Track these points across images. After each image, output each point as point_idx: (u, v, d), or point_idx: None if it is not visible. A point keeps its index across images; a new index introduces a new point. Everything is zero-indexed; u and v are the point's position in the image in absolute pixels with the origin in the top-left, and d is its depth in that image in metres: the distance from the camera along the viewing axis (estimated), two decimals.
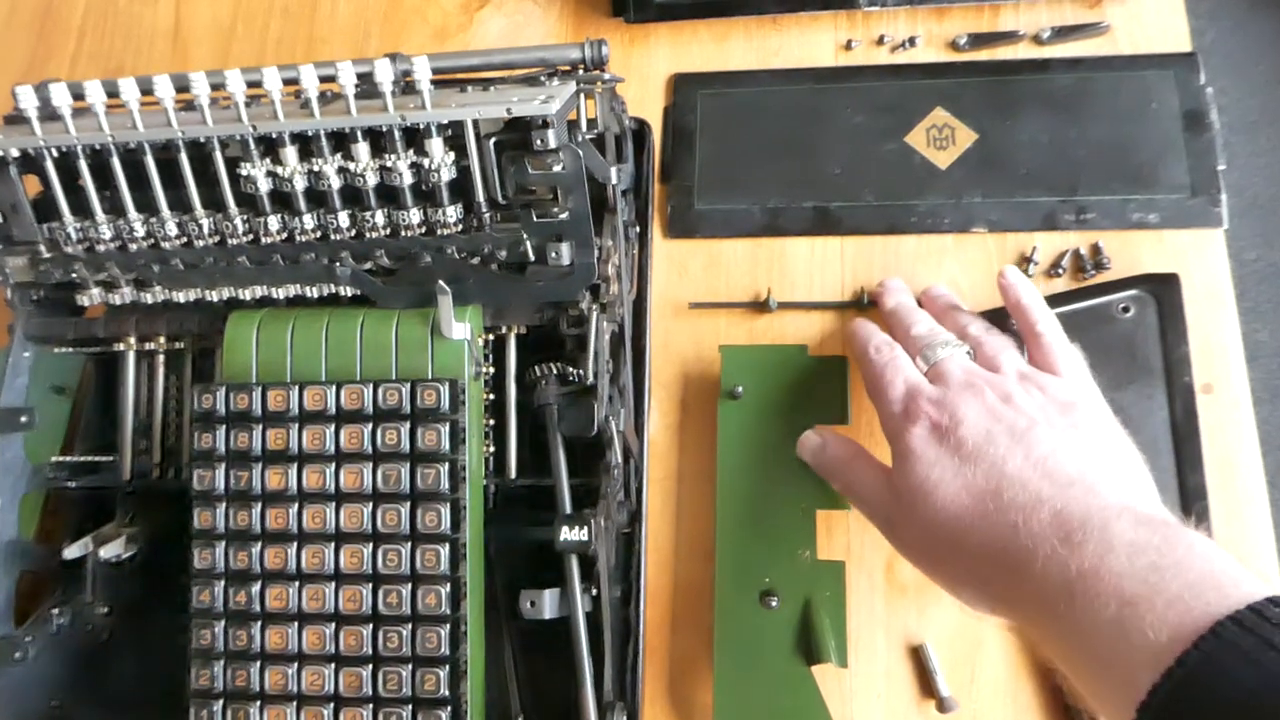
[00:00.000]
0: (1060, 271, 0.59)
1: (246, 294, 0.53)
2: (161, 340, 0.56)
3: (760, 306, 0.61)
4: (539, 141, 0.47)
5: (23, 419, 0.54)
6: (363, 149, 0.49)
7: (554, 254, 0.49)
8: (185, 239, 0.52)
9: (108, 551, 0.53)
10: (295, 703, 0.48)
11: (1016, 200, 0.61)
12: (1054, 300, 0.57)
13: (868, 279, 0.61)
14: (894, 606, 0.55)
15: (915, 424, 0.47)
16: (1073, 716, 0.52)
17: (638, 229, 0.60)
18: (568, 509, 0.49)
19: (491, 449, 0.53)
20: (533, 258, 0.50)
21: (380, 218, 0.50)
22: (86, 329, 0.56)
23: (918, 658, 0.54)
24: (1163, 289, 0.57)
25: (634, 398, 0.56)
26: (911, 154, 0.63)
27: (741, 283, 0.62)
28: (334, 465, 0.48)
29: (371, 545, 0.48)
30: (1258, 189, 1.45)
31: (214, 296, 0.53)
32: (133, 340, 0.56)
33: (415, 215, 0.50)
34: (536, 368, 0.52)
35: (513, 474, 0.53)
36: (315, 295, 0.53)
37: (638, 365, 0.57)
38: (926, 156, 0.62)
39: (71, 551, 0.54)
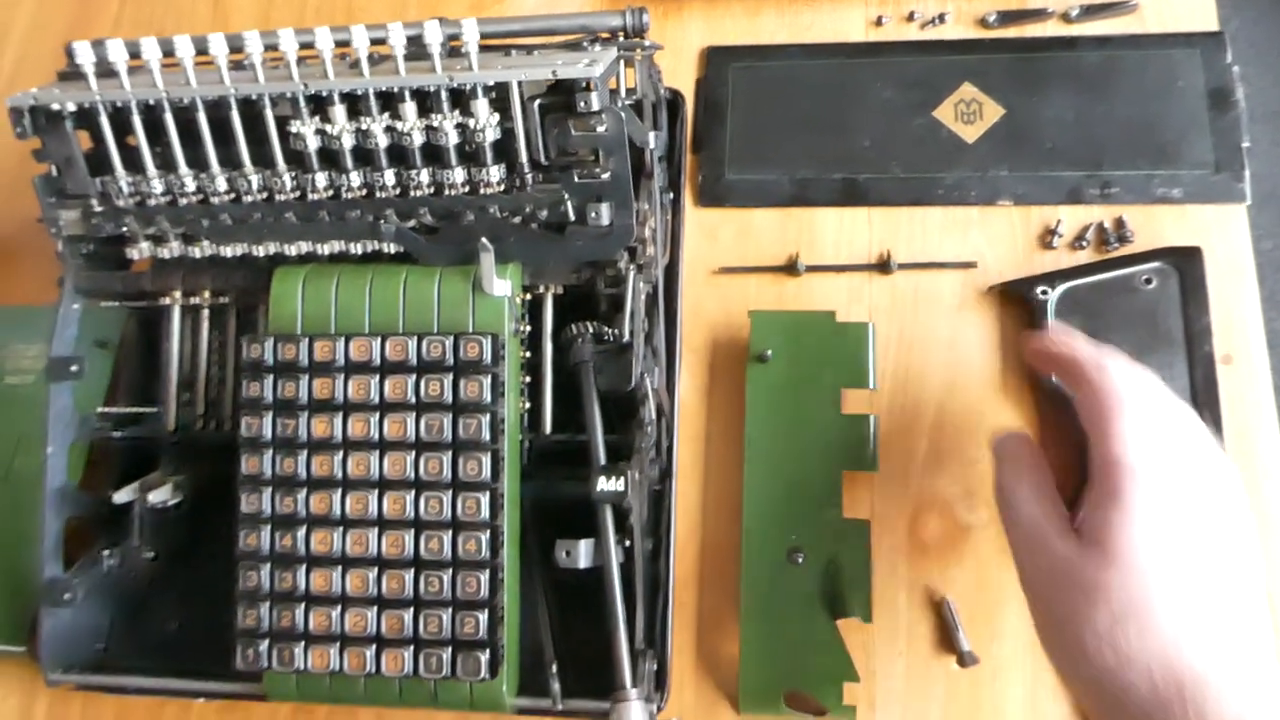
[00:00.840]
0: (1084, 244, 0.60)
1: (292, 250, 0.54)
2: (206, 295, 0.58)
3: (789, 270, 0.62)
4: (582, 104, 0.48)
5: (73, 368, 0.56)
6: (410, 108, 0.50)
7: (594, 214, 0.51)
8: (234, 195, 0.54)
9: (156, 497, 0.55)
10: (338, 643, 0.49)
11: (1042, 174, 0.62)
12: (1078, 272, 0.59)
13: (894, 248, 0.62)
14: (916, 564, 0.57)
15: (1142, 470, 0.41)
16: None
17: (671, 195, 0.61)
18: (603, 462, 0.50)
19: (527, 405, 0.54)
20: (573, 218, 0.51)
21: (425, 176, 0.51)
22: (134, 283, 0.57)
23: (940, 614, 0.55)
24: (1185, 262, 0.58)
25: (665, 359, 0.57)
26: (939, 128, 0.64)
27: (770, 250, 0.63)
28: (378, 415, 0.50)
29: (414, 492, 0.49)
30: (1277, 179, 1.46)
31: (260, 252, 0.55)
32: (178, 295, 0.58)
33: (459, 174, 0.51)
34: (573, 326, 0.53)
35: (548, 430, 0.54)
36: (359, 252, 0.54)
37: (669, 328, 0.59)
38: (954, 131, 0.63)
39: (121, 496, 0.55)
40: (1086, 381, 0.44)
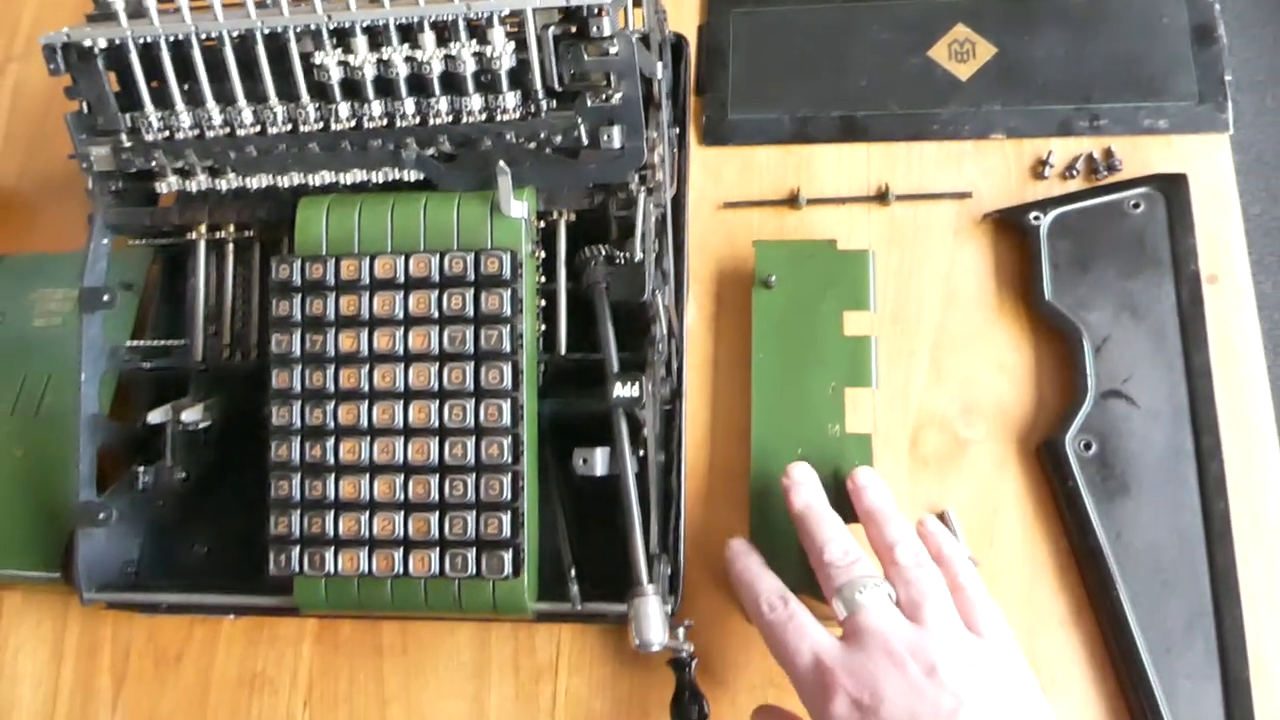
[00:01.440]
0: (1074, 173, 0.63)
1: (316, 179, 0.57)
2: (231, 229, 0.60)
3: (790, 204, 0.64)
4: (594, 29, 0.51)
5: (105, 298, 0.58)
6: (429, 39, 0.53)
7: (606, 137, 0.53)
8: (259, 127, 0.56)
9: (189, 416, 0.57)
10: (367, 547, 0.52)
11: (1033, 108, 0.64)
12: (1069, 198, 0.61)
13: (891, 181, 0.64)
14: (917, 477, 0.59)
15: (833, 700, 0.43)
16: None
17: (676, 131, 0.63)
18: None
19: (543, 328, 0.56)
20: (586, 142, 0.54)
21: (444, 105, 0.54)
22: (162, 217, 0.60)
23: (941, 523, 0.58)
24: (1171, 187, 0.60)
25: (674, 286, 0.60)
26: (934, 67, 0.66)
27: (772, 186, 0.66)
28: (403, 329, 0.52)
29: (438, 401, 0.51)
30: (1262, 146, 1.49)
31: (284, 183, 0.57)
32: (203, 229, 0.60)
33: (477, 102, 0.54)
34: (586, 249, 0.56)
35: (563, 350, 0.57)
36: (380, 181, 0.56)
37: (677, 257, 0.61)
38: (948, 69, 0.66)
39: (154, 416, 0.57)
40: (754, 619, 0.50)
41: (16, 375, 0.67)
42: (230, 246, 0.61)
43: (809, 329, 0.60)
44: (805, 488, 0.53)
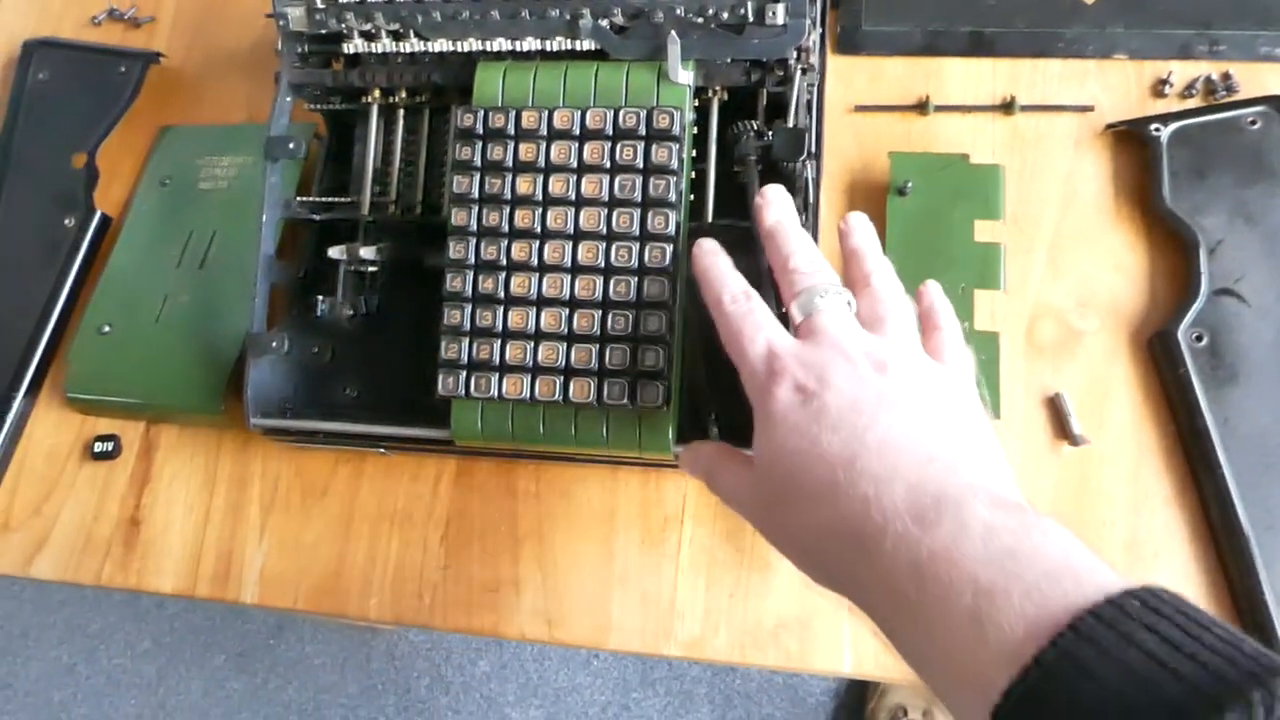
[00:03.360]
0: (1193, 93, 0.66)
1: (493, 45, 0.61)
2: (403, 94, 0.65)
3: (919, 109, 0.68)
4: None
5: (290, 145, 0.63)
6: None
7: (770, 14, 0.57)
8: None
9: (366, 253, 0.61)
10: (531, 374, 0.56)
11: (1155, 32, 0.68)
12: (1188, 114, 0.65)
13: (1017, 93, 0.68)
14: (1032, 365, 0.63)
15: (778, 384, 0.43)
16: None
17: (820, 32, 0.67)
18: None
19: (692, 197, 0.61)
20: (751, 18, 0.58)
21: None
22: (341, 78, 0.64)
23: (1053, 407, 0.62)
24: None
25: (815, 169, 0.64)
26: None
27: (900, 94, 0.70)
28: (576, 175, 0.56)
29: (605, 243, 0.56)
30: None
31: (462, 48, 0.62)
32: (378, 94, 0.65)
33: None
34: (739, 123, 0.60)
35: (709, 218, 0.61)
36: (554, 49, 0.61)
37: (818, 144, 0.65)
38: None
39: (334, 252, 0.62)
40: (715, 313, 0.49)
41: (183, 232, 0.73)
42: (400, 113, 0.66)
43: (941, 234, 0.64)
44: (776, 206, 0.51)
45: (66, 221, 0.74)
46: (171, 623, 1.59)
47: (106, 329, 0.70)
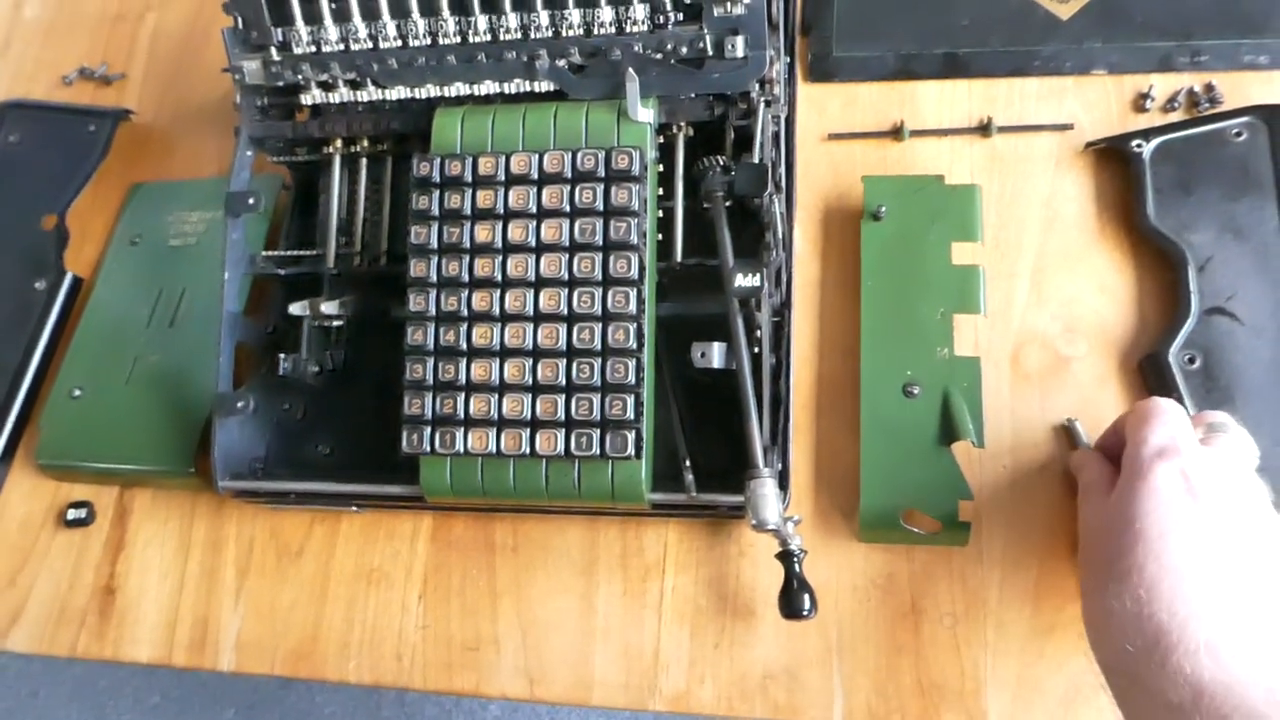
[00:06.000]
0: (1176, 106, 0.64)
1: (451, 91, 0.60)
2: (365, 143, 0.64)
3: (894, 135, 0.67)
4: None
5: (250, 200, 0.62)
6: None
7: (730, 47, 0.56)
8: (401, 41, 0.59)
9: (328, 308, 0.60)
10: (496, 427, 0.54)
11: (1134, 45, 0.66)
12: (1172, 127, 0.63)
13: (994, 114, 0.66)
14: (1019, 391, 0.60)
15: (1167, 460, 0.45)
16: None
17: (787, 60, 0.66)
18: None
19: (660, 237, 0.59)
20: (710, 52, 0.56)
21: (576, 17, 0.57)
22: (302, 130, 0.64)
23: (1061, 433, 0.59)
24: (1274, 117, 0.62)
25: (784, 200, 0.62)
26: (1035, 8, 0.69)
27: (875, 120, 0.68)
28: (535, 221, 0.55)
29: (567, 289, 0.54)
30: None
31: (420, 94, 0.61)
32: (339, 144, 0.64)
33: (608, 14, 0.57)
34: (705, 158, 0.58)
35: (678, 257, 0.59)
36: (512, 92, 0.59)
37: (788, 175, 0.63)
38: (1049, 9, 0.68)
39: (295, 308, 0.61)
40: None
41: (153, 290, 0.72)
42: (363, 161, 0.65)
43: (917, 258, 0.62)
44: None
45: (37, 284, 0.74)
46: (179, 676, 1.57)
47: (77, 393, 0.69)
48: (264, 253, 0.65)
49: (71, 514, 0.68)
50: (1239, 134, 0.62)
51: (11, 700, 1.60)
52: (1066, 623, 0.55)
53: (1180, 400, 0.57)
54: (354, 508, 0.63)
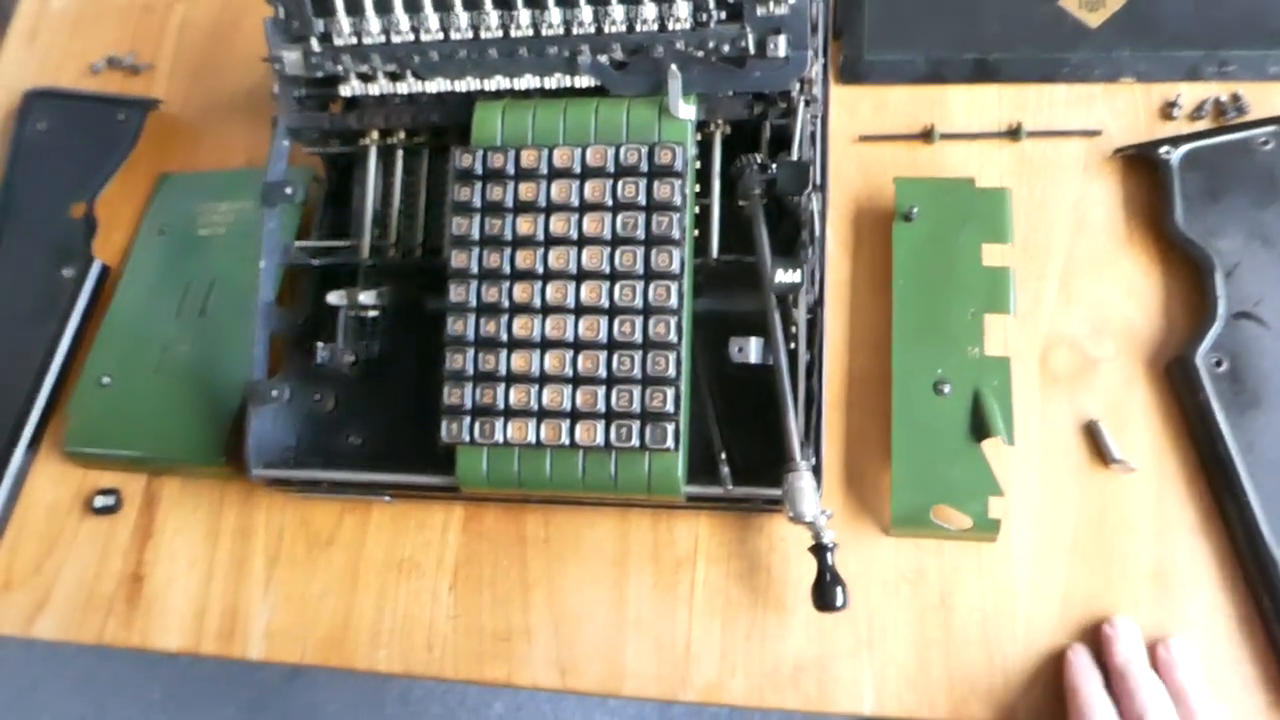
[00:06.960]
0: (1202, 115, 0.65)
1: (490, 84, 0.60)
2: (402, 135, 0.64)
3: (924, 138, 0.67)
4: None
5: (287, 190, 0.62)
6: None
7: (773, 46, 0.57)
8: (443, 33, 0.60)
9: (365, 298, 0.61)
10: (536, 418, 0.55)
11: (1163, 54, 0.67)
12: (1198, 136, 0.64)
13: (1023, 119, 0.67)
14: (1047, 392, 0.61)
15: None
16: None
17: (822, 62, 0.67)
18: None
19: (697, 233, 0.60)
20: (752, 51, 0.57)
21: (619, 13, 0.58)
22: (339, 121, 0.64)
23: (1088, 434, 0.60)
24: None
25: (820, 199, 0.63)
26: (1064, 16, 0.69)
27: (905, 123, 0.69)
28: (578, 214, 0.55)
29: (609, 282, 0.55)
30: None
31: (460, 88, 0.61)
32: (376, 136, 0.64)
33: (650, 11, 0.57)
34: (742, 157, 0.59)
35: (714, 253, 0.60)
36: (550, 86, 0.60)
37: (823, 175, 0.64)
38: (1078, 17, 0.69)
39: (332, 298, 0.61)
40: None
41: (182, 280, 0.72)
42: (399, 153, 0.65)
43: (948, 258, 0.63)
44: (1130, 642, 0.55)
45: (65, 272, 0.74)
46: (183, 672, 1.57)
47: (106, 381, 0.69)
48: (299, 243, 0.66)
49: (99, 501, 0.68)
50: (1266, 143, 0.63)
51: (11, 693, 1.59)
52: (1093, 622, 0.56)
53: (1207, 403, 0.58)
54: (387, 497, 0.63)
